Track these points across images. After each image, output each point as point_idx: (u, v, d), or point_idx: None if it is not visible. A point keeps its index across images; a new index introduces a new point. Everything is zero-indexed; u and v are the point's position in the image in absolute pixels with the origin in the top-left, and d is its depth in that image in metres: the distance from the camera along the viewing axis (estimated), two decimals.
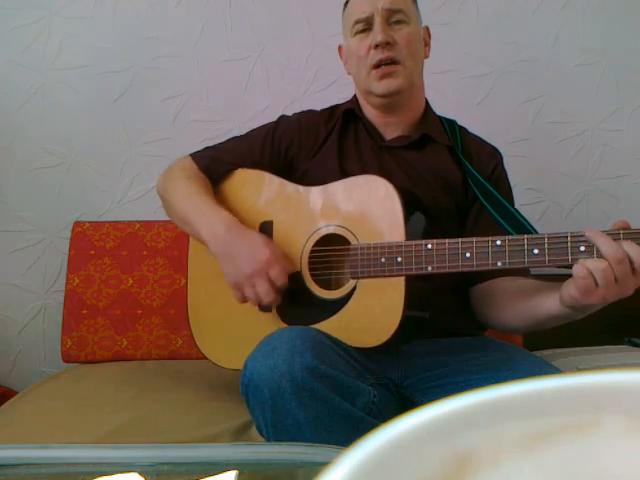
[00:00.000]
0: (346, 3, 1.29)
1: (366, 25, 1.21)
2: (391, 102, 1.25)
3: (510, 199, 1.28)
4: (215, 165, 1.30)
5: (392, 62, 1.20)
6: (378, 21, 1.20)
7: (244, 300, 1.16)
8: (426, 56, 1.30)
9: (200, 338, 1.29)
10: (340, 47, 1.34)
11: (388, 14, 1.20)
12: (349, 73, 1.31)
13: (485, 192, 1.22)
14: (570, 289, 0.95)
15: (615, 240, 0.92)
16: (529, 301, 1.09)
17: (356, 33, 1.23)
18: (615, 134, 1.90)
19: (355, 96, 1.33)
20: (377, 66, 1.21)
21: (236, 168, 1.30)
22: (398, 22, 1.21)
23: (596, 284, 0.92)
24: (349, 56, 1.28)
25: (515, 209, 1.20)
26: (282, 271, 1.12)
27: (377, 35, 1.19)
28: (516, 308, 1.12)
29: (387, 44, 1.19)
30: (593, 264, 0.92)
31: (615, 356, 1.53)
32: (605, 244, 0.92)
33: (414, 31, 1.23)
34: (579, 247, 0.97)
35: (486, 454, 0.17)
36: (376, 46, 1.19)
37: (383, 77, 1.21)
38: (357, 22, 1.22)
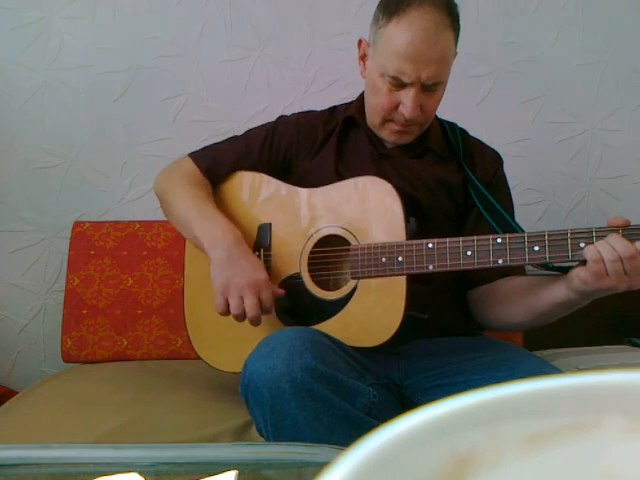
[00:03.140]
0: (389, 15, 1.12)
1: (400, 83, 1.12)
2: None
3: (509, 204, 1.29)
4: (216, 168, 1.30)
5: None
6: (413, 92, 1.11)
7: (224, 309, 1.12)
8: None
9: (198, 341, 1.28)
10: (361, 41, 1.22)
11: (427, 85, 1.13)
12: (363, 77, 1.23)
13: (484, 200, 1.22)
14: (581, 273, 0.96)
15: (628, 240, 0.94)
16: (531, 294, 1.10)
17: (389, 82, 1.13)
18: (615, 134, 1.90)
19: (359, 100, 1.29)
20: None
21: (235, 171, 1.30)
22: (432, 89, 1.14)
23: (607, 273, 0.93)
24: (370, 81, 1.19)
25: (514, 221, 1.20)
26: (272, 298, 1.12)
27: (407, 109, 1.13)
28: (518, 303, 1.13)
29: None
30: (605, 251, 0.93)
31: (615, 356, 1.53)
32: (618, 241, 0.94)
33: (444, 88, 1.16)
34: (579, 244, 0.97)
35: (486, 454, 0.17)
36: (402, 114, 1.14)
37: (397, 132, 1.19)
38: (393, 77, 1.12)
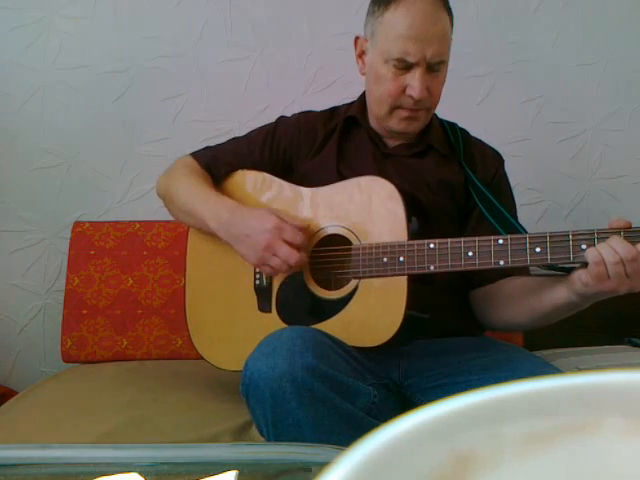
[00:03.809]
0: (386, 5, 1.15)
1: (406, 65, 1.13)
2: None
3: (511, 204, 1.28)
4: (216, 164, 1.30)
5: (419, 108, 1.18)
6: (420, 72, 1.13)
7: (275, 272, 1.16)
8: None
9: (198, 340, 1.28)
10: (357, 38, 1.23)
11: (431, 64, 1.14)
12: (363, 74, 1.24)
13: (485, 200, 1.22)
14: (582, 275, 0.96)
15: (630, 242, 0.94)
16: (533, 295, 1.10)
17: (394, 66, 1.14)
18: (615, 134, 1.90)
19: (361, 100, 1.29)
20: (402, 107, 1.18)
21: (236, 169, 1.30)
22: (436, 69, 1.15)
23: (608, 275, 0.93)
24: (372, 73, 1.19)
25: (515, 221, 1.20)
26: (295, 229, 1.12)
27: (416, 90, 1.13)
28: (520, 304, 1.13)
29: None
30: (606, 254, 0.93)
31: (615, 356, 1.53)
32: (619, 243, 0.93)
33: (446, 69, 1.18)
34: (581, 245, 0.97)
35: (486, 454, 0.17)
36: (410, 96, 1.15)
37: (406, 119, 1.19)
38: (398, 60, 1.13)
